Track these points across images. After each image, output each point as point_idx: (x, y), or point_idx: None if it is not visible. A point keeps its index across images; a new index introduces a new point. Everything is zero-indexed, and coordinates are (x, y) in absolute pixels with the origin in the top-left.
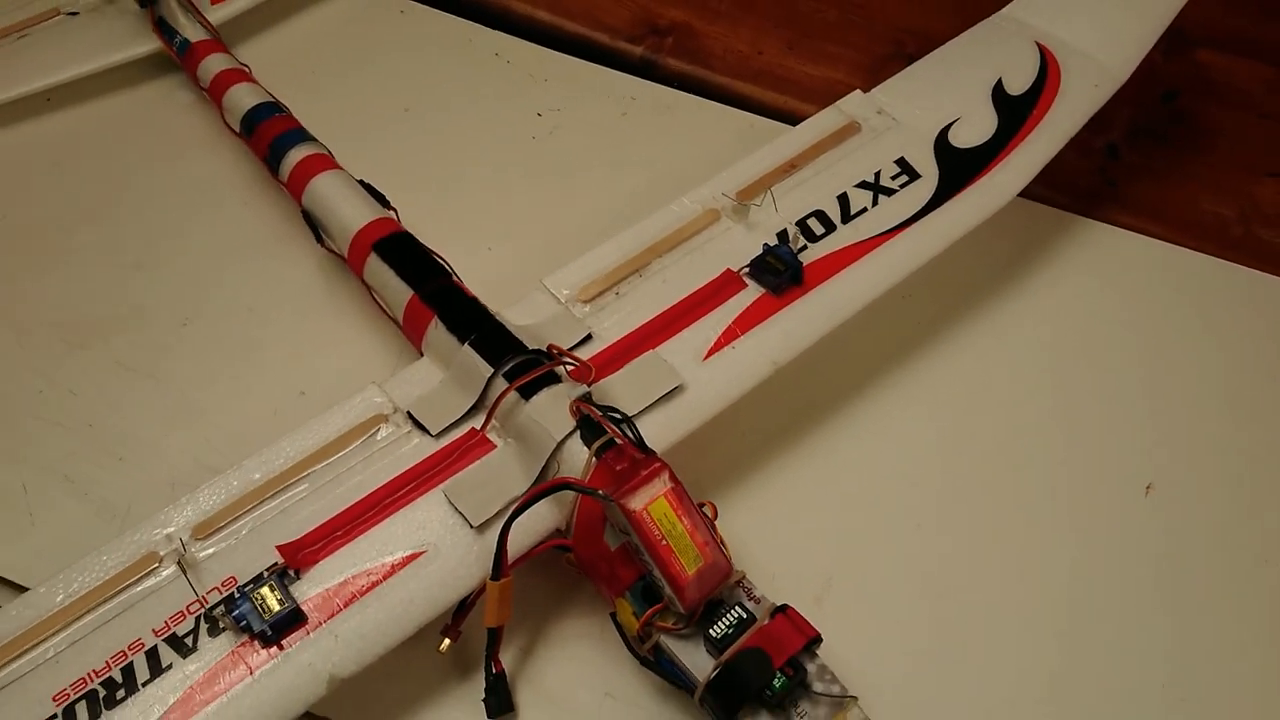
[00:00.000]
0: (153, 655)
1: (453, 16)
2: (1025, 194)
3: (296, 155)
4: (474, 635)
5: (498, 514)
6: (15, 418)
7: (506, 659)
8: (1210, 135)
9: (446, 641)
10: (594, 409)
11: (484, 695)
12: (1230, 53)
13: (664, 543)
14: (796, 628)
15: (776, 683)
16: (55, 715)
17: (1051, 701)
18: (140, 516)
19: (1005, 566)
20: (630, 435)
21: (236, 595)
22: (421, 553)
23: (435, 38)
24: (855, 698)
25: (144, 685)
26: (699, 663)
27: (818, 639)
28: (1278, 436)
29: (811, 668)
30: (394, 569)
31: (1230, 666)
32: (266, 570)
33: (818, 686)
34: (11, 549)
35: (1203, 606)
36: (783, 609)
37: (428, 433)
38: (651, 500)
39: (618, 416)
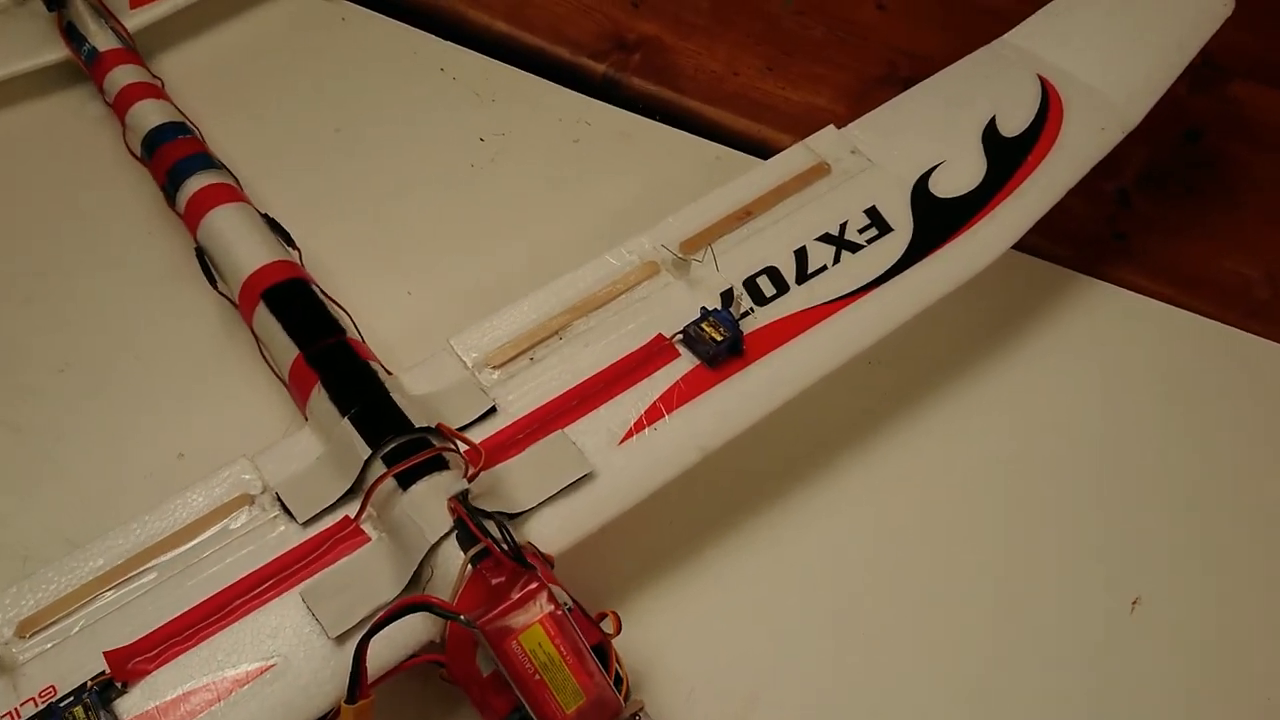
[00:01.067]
0: None
1: (400, 24)
2: (1018, 245)
3: (195, 184)
4: None
5: (359, 624)
6: None
7: None
8: (1238, 183)
9: None
10: (465, 509)
11: None
12: (1268, 84)
13: (537, 678)
14: None
15: None
16: None
17: None
18: None
19: (965, 691)
20: (507, 543)
21: (48, 714)
22: (271, 665)
23: (377, 49)
24: None
25: None
26: None
27: None
28: None
29: None
30: (237, 684)
31: None
32: (91, 680)
33: None
34: None
35: None
36: None
37: (294, 520)
38: (525, 627)
39: (496, 520)
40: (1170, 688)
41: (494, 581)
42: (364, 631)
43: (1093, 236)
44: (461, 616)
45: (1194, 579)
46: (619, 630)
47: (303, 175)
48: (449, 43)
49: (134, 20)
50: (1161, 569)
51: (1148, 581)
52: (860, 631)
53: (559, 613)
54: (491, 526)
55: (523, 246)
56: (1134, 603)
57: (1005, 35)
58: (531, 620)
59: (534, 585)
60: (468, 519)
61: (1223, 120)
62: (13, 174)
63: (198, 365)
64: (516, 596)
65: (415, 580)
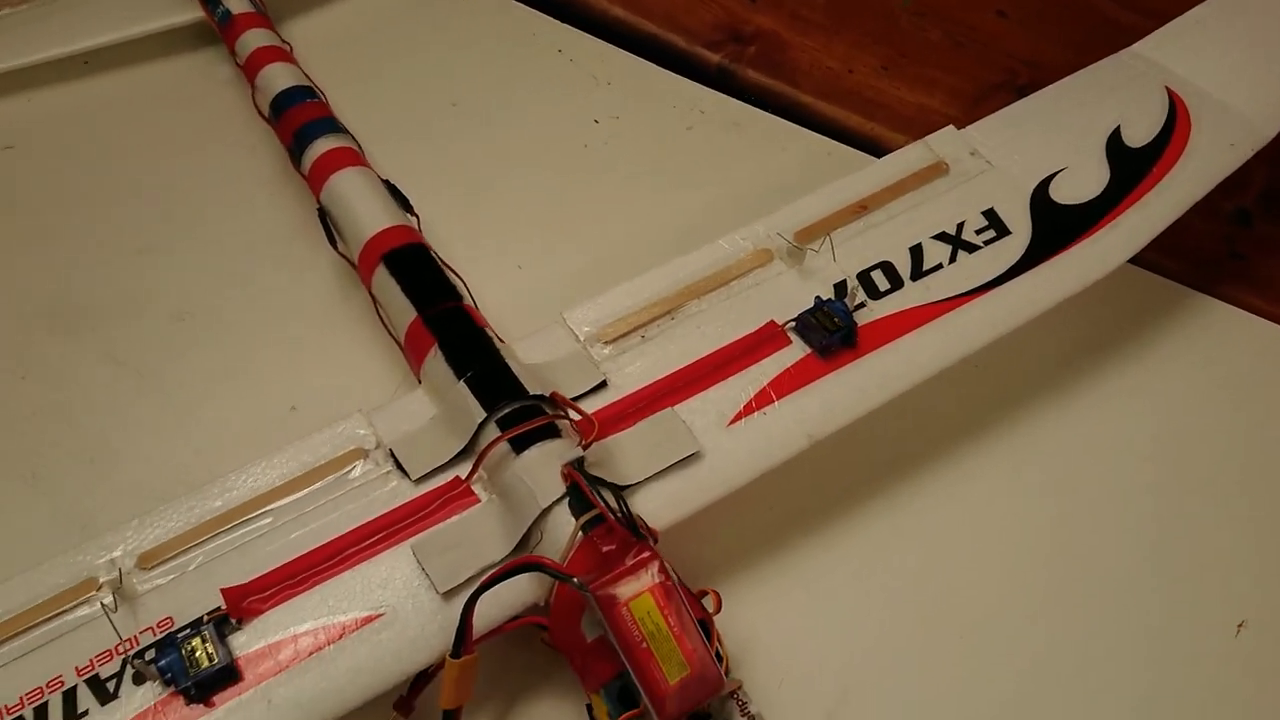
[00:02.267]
0: (70, 697)
1: (520, 5)
2: (1132, 258)
3: (321, 146)
4: (430, 712)
5: (467, 581)
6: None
7: None
8: None
9: (397, 718)
10: (583, 477)
11: None
12: None
13: (644, 646)
14: None
15: None
16: None
17: None
18: (104, 527)
19: (1064, 701)
20: (622, 513)
21: (167, 643)
22: (379, 615)
23: (497, 28)
24: None
25: None
26: None
27: None
28: None
29: None
30: (345, 631)
31: None
32: (207, 615)
33: None
34: None
35: None
36: None
37: (407, 476)
38: (635, 595)
39: (612, 490)
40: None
41: (604, 549)
42: (474, 588)
43: (1210, 255)
44: (574, 579)
45: None
46: (719, 609)
47: (418, 146)
48: (567, 25)
49: None
50: (1273, 592)
51: (1254, 606)
52: (955, 634)
53: (669, 583)
54: (607, 495)
55: (632, 229)
56: (1240, 626)
57: (1132, 46)
58: (642, 589)
59: (646, 554)
60: (584, 485)
61: None
62: (142, 128)
63: (312, 322)
64: (629, 564)
65: (524, 543)
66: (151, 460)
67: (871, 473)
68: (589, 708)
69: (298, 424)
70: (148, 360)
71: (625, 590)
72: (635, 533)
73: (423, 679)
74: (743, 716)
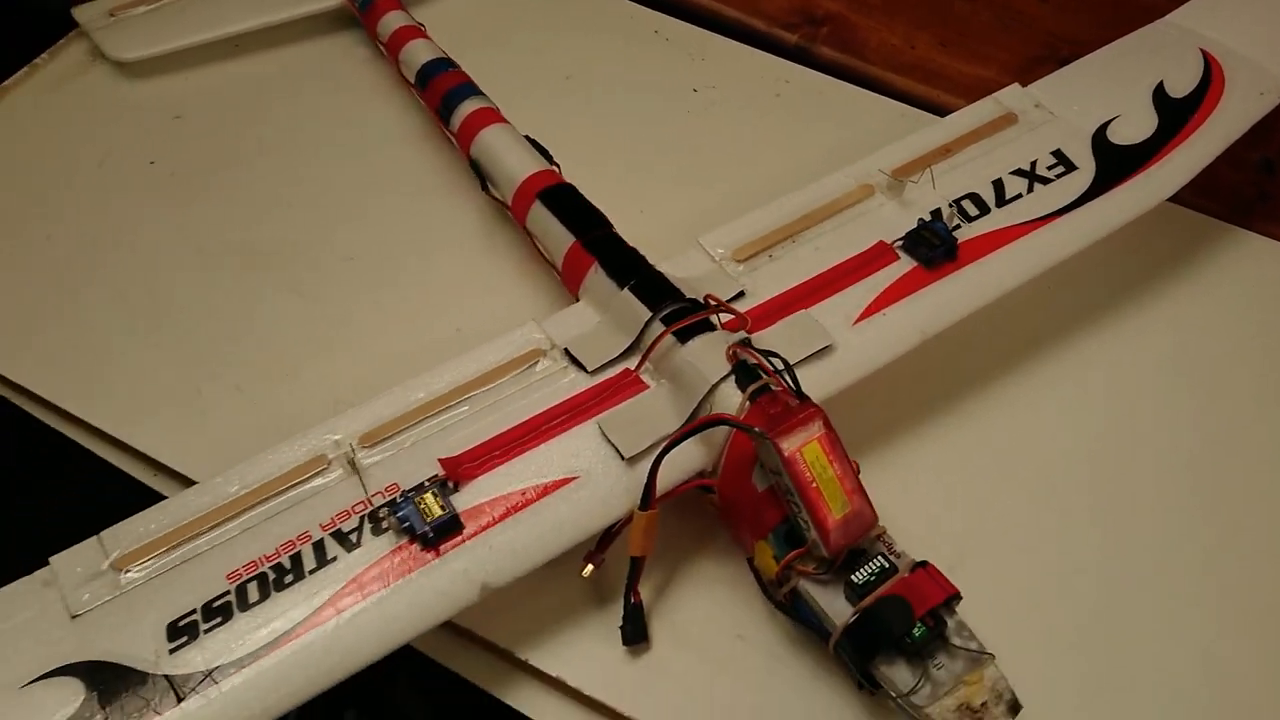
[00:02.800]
0: (319, 547)
1: None
2: (1175, 199)
3: (468, 108)
4: (614, 567)
5: (649, 448)
6: (195, 327)
7: (643, 592)
8: None
9: (590, 567)
10: (754, 352)
11: (621, 623)
12: None
13: (814, 485)
14: (937, 582)
15: (916, 632)
16: (229, 592)
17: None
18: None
19: (1148, 562)
20: (788, 381)
21: (400, 499)
22: (574, 478)
23: (597, 14)
24: (993, 655)
25: (310, 573)
26: (837, 609)
27: (958, 595)
28: None
29: (951, 622)
30: (547, 490)
31: None
32: (428, 480)
33: (956, 641)
34: (184, 446)
35: None
36: (923, 564)
37: (583, 369)
38: (805, 443)
39: (777, 362)
40: None
41: (771, 413)
42: (658, 451)
43: (1242, 197)
44: (756, 429)
45: None
46: (859, 472)
47: (539, 111)
48: (660, 13)
49: None
50: None
51: None
52: (1061, 507)
53: (833, 435)
54: (775, 362)
55: (738, 177)
56: None
57: (1165, 17)
58: (810, 438)
59: (811, 410)
60: (756, 355)
61: None
62: (295, 100)
63: (464, 260)
64: (799, 417)
65: (694, 417)
66: (341, 374)
67: (978, 370)
68: (750, 562)
69: (463, 343)
70: (326, 292)
71: (796, 439)
72: (800, 394)
73: (608, 535)
74: (891, 554)
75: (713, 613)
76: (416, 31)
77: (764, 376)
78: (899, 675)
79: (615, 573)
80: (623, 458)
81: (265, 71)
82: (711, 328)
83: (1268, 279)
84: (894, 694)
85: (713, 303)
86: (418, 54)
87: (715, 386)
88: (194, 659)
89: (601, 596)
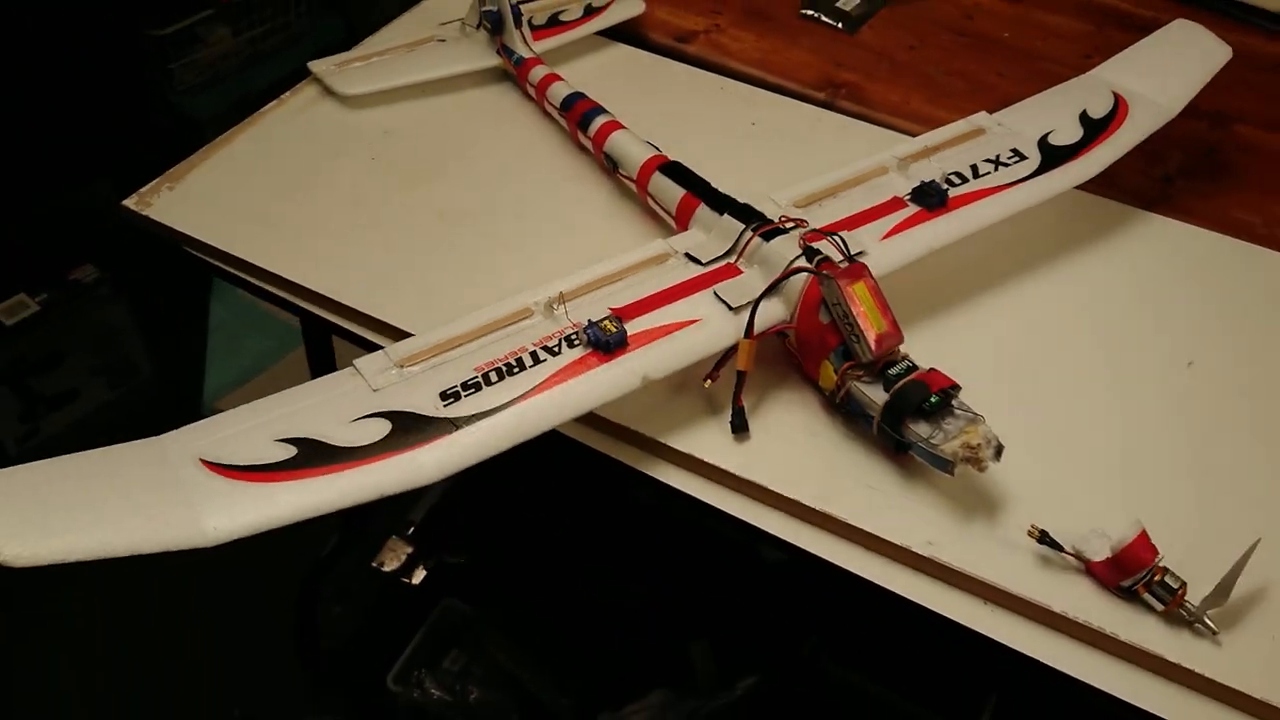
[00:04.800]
0: (534, 355)
1: (683, 65)
2: (1102, 192)
3: (600, 119)
4: (722, 390)
5: (743, 305)
6: (428, 262)
7: (745, 400)
8: (1242, 174)
9: (709, 381)
10: (817, 233)
11: (730, 419)
12: (1261, 128)
13: (862, 310)
14: (944, 375)
15: (933, 399)
16: (477, 377)
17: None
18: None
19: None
20: (844, 249)
21: (587, 325)
22: (699, 320)
23: (670, 78)
24: (983, 416)
25: (528, 368)
26: (878, 398)
27: (958, 386)
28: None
29: (954, 400)
30: (680, 326)
31: None
32: (598, 319)
33: (957, 409)
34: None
35: None
36: (932, 369)
37: (699, 263)
38: (855, 283)
39: (838, 238)
40: None
41: (832, 268)
42: (756, 297)
43: (1148, 195)
44: (824, 272)
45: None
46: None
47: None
48: (717, 75)
49: (538, 47)
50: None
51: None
52: (1008, 382)
53: (873, 281)
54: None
55: (791, 170)
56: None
57: (1088, 72)
58: (859, 279)
59: (860, 265)
60: (821, 234)
61: (1231, 142)
62: (471, 123)
63: (597, 224)
64: (852, 268)
65: (774, 286)
66: (524, 284)
67: (965, 286)
68: (816, 384)
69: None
70: (505, 238)
71: (849, 280)
72: (851, 258)
73: (720, 362)
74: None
75: (790, 418)
76: (557, 77)
77: (823, 252)
78: (921, 429)
79: (723, 392)
80: (730, 308)
81: (446, 105)
82: (786, 233)
83: (1164, 245)
84: (919, 441)
85: (786, 221)
86: (560, 90)
87: (792, 262)
88: (459, 409)
89: (714, 408)
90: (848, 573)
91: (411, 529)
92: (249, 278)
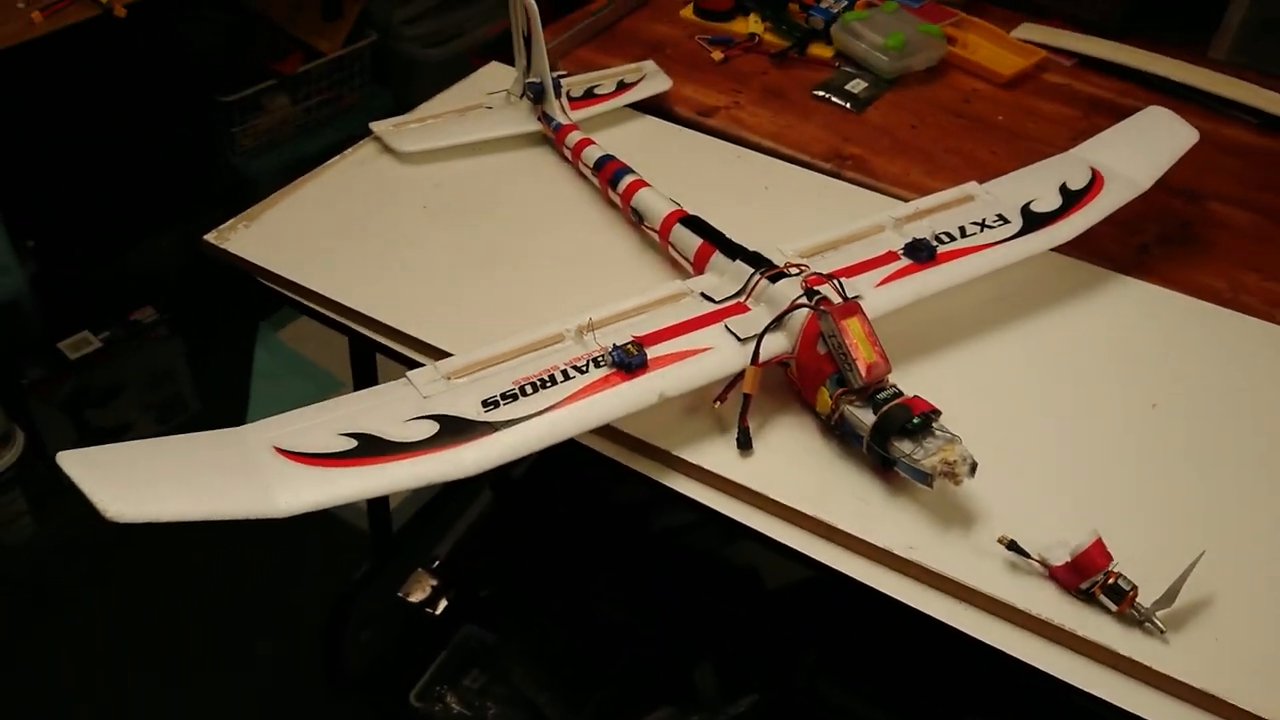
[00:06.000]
0: (564, 372)
1: (705, 136)
2: (1082, 257)
3: (628, 179)
4: (729, 412)
5: (750, 336)
6: (468, 293)
7: (750, 421)
8: (1212, 246)
9: (718, 403)
10: (819, 277)
11: (736, 437)
12: (1233, 205)
13: (854, 342)
14: (926, 402)
15: (915, 420)
16: (515, 389)
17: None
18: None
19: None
20: (840, 291)
21: (613, 349)
22: (711, 348)
23: (693, 146)
24: (960, 437)
25: (560, 383)
26: (867, 420)
27: (938, 411)
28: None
29: (935, 423)
30: (696, 352)
31: None
32: (622, 344)
33: (937, 430)
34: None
35: None
36: (915, 396)
37: (712, 300)
38: (849, 318)
39: (837, 283)
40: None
41: (829, 305)
42: (762, 329)
43: (1125, 261)
44: (823, 309)
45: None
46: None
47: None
48: (736, 145)
49: (574, 115)
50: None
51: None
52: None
53: (865, 318)
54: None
55: (802, 224)
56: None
57: (1068, 150)
58: (852, 316)
59: (854, 303)
60: (822, 279)
61: (1203, 218)
62: (512, 180)
63: (623, 271)
64: (846, 305)
65: (778, 320)
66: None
67: (948, 330)
68: (813, 409)
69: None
70: (538, 278)
71: (845, 317)
72: (846, 297)
73: (729, 386)
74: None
75: (791, 437)
76: (591, 141)
77: (823, 293)
78: (905, 446)
79: (731, 413)
80: (739, 339)
81: (490, 164)
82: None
83: (1137, 304)
84: (902, 457)
85: (791, 267)
86: (593, 152)
87: (795, 300)
88: (499, 415)
89: (724, 425)
90: (841, 583)
91: (436, 563)
92: (309, 303)
